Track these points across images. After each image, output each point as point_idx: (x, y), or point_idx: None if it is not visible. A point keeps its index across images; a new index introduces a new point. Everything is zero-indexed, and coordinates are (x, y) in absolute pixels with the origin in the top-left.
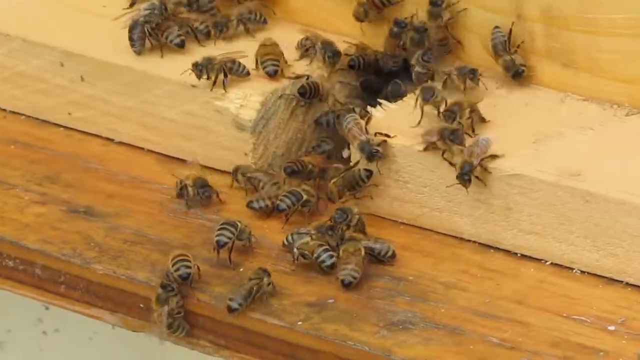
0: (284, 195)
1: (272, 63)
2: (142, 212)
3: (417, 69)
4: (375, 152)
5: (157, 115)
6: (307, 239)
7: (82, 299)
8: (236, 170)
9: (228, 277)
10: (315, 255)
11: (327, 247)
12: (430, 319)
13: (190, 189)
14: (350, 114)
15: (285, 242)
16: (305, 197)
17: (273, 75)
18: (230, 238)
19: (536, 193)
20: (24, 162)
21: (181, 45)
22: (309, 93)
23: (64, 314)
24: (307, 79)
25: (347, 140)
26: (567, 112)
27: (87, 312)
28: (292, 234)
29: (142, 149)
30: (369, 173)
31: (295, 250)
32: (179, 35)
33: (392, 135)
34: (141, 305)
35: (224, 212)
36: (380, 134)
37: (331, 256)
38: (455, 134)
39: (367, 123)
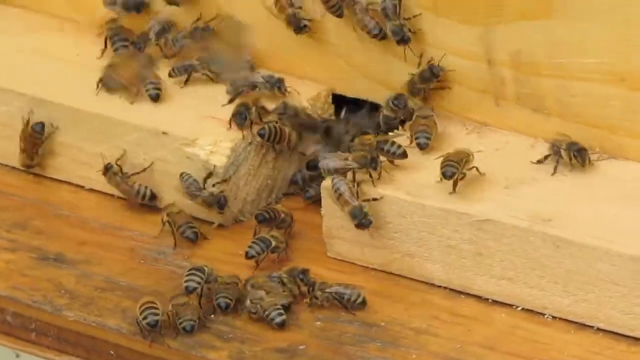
0: (253, 242)
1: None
2: (113, 259)
3: (386, 112)
4: (368, 222)
5: (128, 162)
6: (262, 293)
7: (53, 346)
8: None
9: (199, 323)
10: (266, 313)
11: (279, 306)
12: None
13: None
14: (340, 178)
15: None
16: (274, 243)
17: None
18: (199, 283)
19: (508, 238)
20: None
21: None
22: (271, 136)
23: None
24: (271, 122)
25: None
26: (538, 158)
27: (58, 359)
28: (250, 283)
29: (113, 195)
30: None
31: (247, 302)
32: (155, 88)
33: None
34: (112, 352)
35: (194, 258)
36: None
37: (281, 314)
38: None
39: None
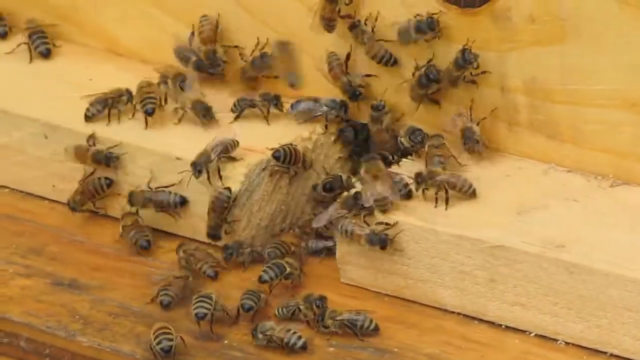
0: (268, 267)
1: None
2: (127, 284)
3: (403, 141)
4: (384, 240)
5: (141, 187)
6: (271, 323)
7: None
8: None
9: (212, 349)
10: (285, 341)
11: (295, 330)
12: None
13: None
14: (342, 221)
15: (276, 314)
16: (288, 269)
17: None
18: (208, 309)
19: (520, 264)
20: (8, 234)
21: (150, 113)
22: (286, 158)
23: None
24: (286, 145)
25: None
26: (551, 184)
27: None
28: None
29: None
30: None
31: (260, 336)
32: (150, 103)
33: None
34: None
35: (207, 284)
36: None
37: (299, 337)
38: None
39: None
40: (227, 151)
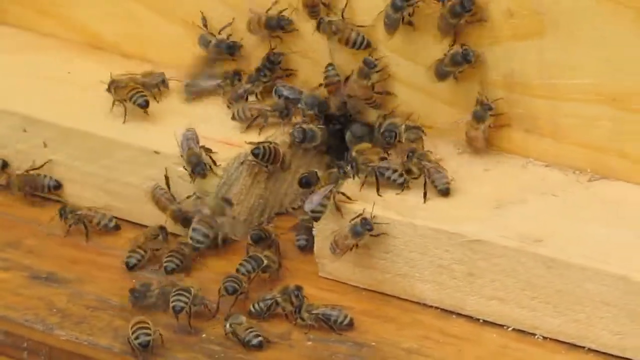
0: (245, 260)
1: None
2: (105, 278)
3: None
4: (370, 228)
5: (119, 180)
6: (243, 318)
7: None
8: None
9: (190, 343)
10: (242, 336)
11: (254, 329)
12: None
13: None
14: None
15: (252, 310)
16: (265, 262)
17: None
18: (186, 303)
19: (498, 259)
20: None
21: (145, 106)
22: (265, 156)
23: None
24: (266, 142)
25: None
26: (530, 178)
27: None
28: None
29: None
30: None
31: (227, 326)
32: (142, 96)
33: (353, 200)
34: None
35: (186, 277)
36: (343, 194)
37: (257, 335)
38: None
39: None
40: (198, 141)
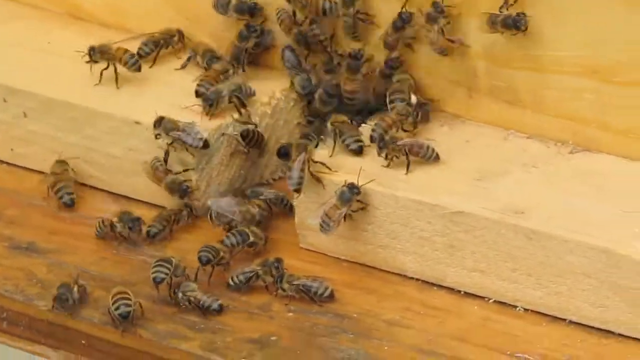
0: (231, 233)
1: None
2: (85, 248)
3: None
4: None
5: (101, 151)
6: (194, 285)
7: (25, 335)
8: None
9: (170, 314)
10: (201, 302)
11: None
12: (373, 356)
13: (118, 225)
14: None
15: (231, 283)
16: (252, 239)
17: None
18: (166, 274)
19: (479, 230)
20: None
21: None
22: (251, 139)
23: (5, 350)
24: (251, 123)
25: None
26: (511, 150)
27: (29, 349)
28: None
29: (86, 185)
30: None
31: (180, 295)
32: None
33: (332, 170)
34: (83, 342)
35: (167, 248)
36: (322, 164)
37: (216, 299)
38: None
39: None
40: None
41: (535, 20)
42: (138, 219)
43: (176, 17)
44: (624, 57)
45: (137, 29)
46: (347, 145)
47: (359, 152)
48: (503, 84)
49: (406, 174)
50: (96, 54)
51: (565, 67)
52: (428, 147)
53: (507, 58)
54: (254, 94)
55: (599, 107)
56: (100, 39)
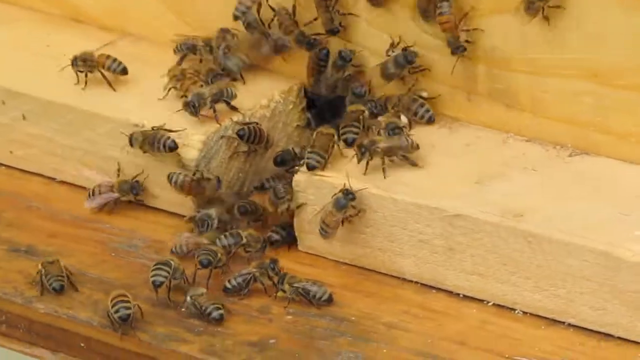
0: (223, 235)
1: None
2: (84, 251)
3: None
4: (353, 197)
5: (99, 154)
6: (203, 290)
7: (24, 338)
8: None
9: (169, 317)
10: (204, 308)
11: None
12: (372, 359)
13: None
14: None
15: (228, 286)
16: (244, 240)
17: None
18: (165, 277)
19: (479, 234)
20: None
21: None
22: (250, 137)
23: (5, 353)
24: (251, 123)
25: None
26: (510, 153)
27: (28, 352)
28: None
29: (85, 188)
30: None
31: (188, 299)
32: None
33: (327, 175)
34: (83, 345)
35: (165, 251)
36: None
37: (218, 308)
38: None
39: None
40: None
41: (534, 23)
42: None
43: (176, 21)
44: (624, 60)
45: (137, 32)
46: (342, 135)
47: (350, 143)
48: (502, 87)
49: (384, 177)
50: (78, 63)
51: (564, 70)
52: (406, 141)
53: (506, 61)
54: (235, 97)
55: (598, 110)
56: (99, 41)
